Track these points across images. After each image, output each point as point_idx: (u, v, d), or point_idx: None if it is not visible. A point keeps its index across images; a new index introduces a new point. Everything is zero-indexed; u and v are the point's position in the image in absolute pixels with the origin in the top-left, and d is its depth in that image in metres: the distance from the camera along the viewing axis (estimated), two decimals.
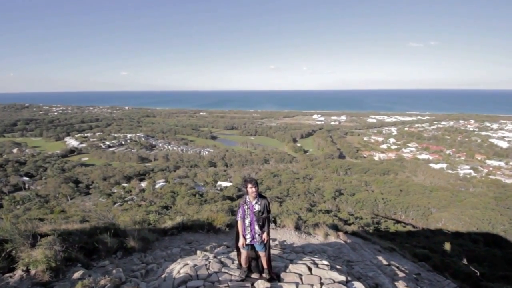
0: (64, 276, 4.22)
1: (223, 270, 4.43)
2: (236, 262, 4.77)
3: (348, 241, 9.29)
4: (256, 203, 3.98)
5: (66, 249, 4.63)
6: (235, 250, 4.62)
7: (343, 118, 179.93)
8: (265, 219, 4.01)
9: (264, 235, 4.02)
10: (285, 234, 9.01)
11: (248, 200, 4.01)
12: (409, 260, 9.09)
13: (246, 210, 4.01)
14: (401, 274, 6.42)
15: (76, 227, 6.34)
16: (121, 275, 4.45)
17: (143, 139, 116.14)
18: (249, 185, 3.94)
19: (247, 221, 4.02)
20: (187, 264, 4.60)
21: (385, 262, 7.41)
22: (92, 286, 3.81)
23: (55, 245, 4.48)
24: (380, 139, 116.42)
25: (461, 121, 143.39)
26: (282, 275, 4.34)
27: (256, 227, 3.99)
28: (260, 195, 4.05)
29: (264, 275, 4.22)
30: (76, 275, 4.19)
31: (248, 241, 4.04)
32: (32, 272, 3.99)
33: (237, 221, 4.11)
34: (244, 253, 4.14)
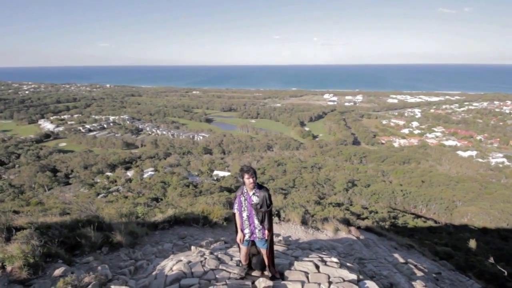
0: (44, 273, 4.35)
1: (220, 267, 4.55)
2: (235, 258, 4.90)
3: (361, 237, 9.47)
4: (253, 194, 3.99)
5: (45, 244, 4.75)
6: (236, 245, 4.72)
7: (359, 98, 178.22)
8: (265, 213, 4.01)
9: (266, 232, 4.06)
10: (290, 229, 9.19)
11: (245, 190, 4.04)
12: (428, 258, 9.31)
13: (243, 202, 4.04)
14: (419, 273, 6.59)
15: (56, 220, 6.47)
16: (107, 272, 4.59)
17: (128, 122, 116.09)
18: (246, 175, 3.92)
19: (244, 215, 4.06)
20: (181, 260, 4.73)
21: (401, 260, 7.59)
22: (75, 283, 3.93)
23: (33, 239, 4.60)
24: (401, 122, 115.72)
25: (496, 102, 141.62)
26: (286, 273, 4.45)
27: (256, 222, 4.02)
28: (259, 186, 4.05)
29: (266, 273, 4.33)
30: (57, 272, 4.32)
31: (247, 237, 4.10)
32: (8, 268, 4.11)
33: (234, 214, 4.17)
34: (243, 248, 4.21)
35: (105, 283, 4.27)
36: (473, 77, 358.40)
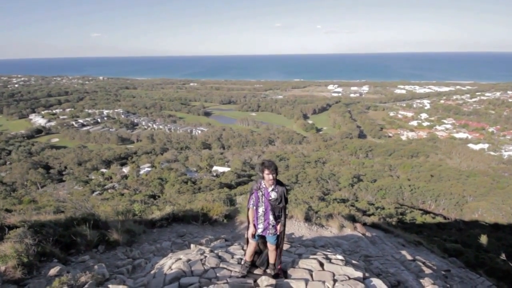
0: (39, 273, 4.42)
1: (221, 265, 4.61)
2: (237, 256, 4.95)
3: (367, 233, 9.53)
4: (272, 190, 4.05)
5: (39, 243, 4.81)
6: (237, 243, 4.76)
7: (365, 89, 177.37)
8: (282, 209, 4.12)
9: (279, 226, 4.14)
10: (293, 226, 9.25)
11: (264, 185, 4.08)
12: (437, 255, 9.37)
13: (261, 197, 4.08)
14: (427, 271, 6.65)
15: (50, 218, 6.54)
16: (104, 271, 4.65)
17: (122, 116, 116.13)
18: (266, 171, 3.95)
19: (260, 210, 4.11)
20: (180, 259, 4.78)
21: (409, 257, 7.65)
22: (71, 283, 3.99)
23: (26, 238, 4.65)
24: (409, 114, 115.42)
25: (509, 92, 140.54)
26: (290, 271, 4.50)
27: (271, 217, 4.09)
28: (278, 182, 4.11)
29: (268, 270, 4.38)
30: (53, 271, 4.38)
31: (259, 231, 4.15)
32: (2, 268, 4.17)
33: (248, 209, 4.20)
34: (252, 244, 4.27)
35: (102, 283, 4.32)
36: (486, 66, 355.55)
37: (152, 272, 4.68)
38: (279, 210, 4.08)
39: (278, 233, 4.16)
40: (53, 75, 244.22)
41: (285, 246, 5.72)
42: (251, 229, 4.15)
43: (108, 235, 6.12)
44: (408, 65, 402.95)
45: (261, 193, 4.07)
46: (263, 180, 4.05)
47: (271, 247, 4.24)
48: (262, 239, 4.28)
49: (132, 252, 6.00)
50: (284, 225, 4.20)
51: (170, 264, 4.67)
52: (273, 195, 4.03)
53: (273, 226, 4.11)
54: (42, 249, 4.79)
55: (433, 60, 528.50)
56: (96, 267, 4.78)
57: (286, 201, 4.13)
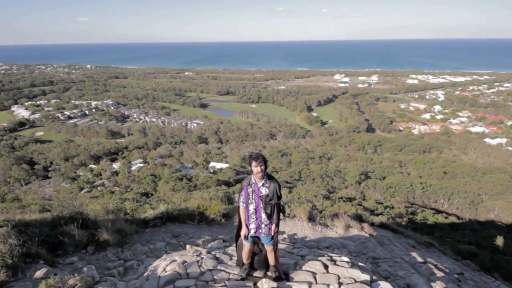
0: (24, 275, 4.46)
1: (218, 267, 4.64)
2: (235, 258, 4.98)
3: (375, 234, 9.59)
4: (263, 185, 4.01)
5: (24, 243, 4.85)
6: (234, 244, 4.78)
7: (374, 78, 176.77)
8: (274, 206, 4.07)
9: (273, 227, 4.10)
10: (295, 226, 9.30)
11: (254, 181, 4.05)
12: (450, 257, 9.44)
13: (251, 194, 4.05)
14: (439, 274, 6.70)
15: (35, 217, 6.58)
16: (94, 274, 4.69)
17: (112, 107, 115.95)
18: (254, 163, 3.90)
19: (251, 208, 4.08)
20: (175, 260, 4.81)
21: (420, 260, 7.71)
22: (58, 286, 4.02)
23: (10, 238, 4.69)
24: (422, 106, 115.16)
25: None
26: (292, 273, 4.53)
27: (263, 216, 4.06)
28: (268, 176, 4.08)
29: (269, 273, 4.41)
30: (39, 273, 4.42)
31: (252, 232, 4.13)
32: None
33: (238, 207, 4.19)
34: (246, 245, 4.26)
35: (92, 285, 4.36)
36: (505, 54, 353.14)
37: (145, 274, 4.72)
38: (271, 208, 4.03)
39: (272, 234, 4.12)
40: (37, 63, 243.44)
41: (287, 247, 5.76)
42: (244, 230, 4.12)
43: (98, 235, 6.16)
44: (421, 52, 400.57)
45: (251, 189, 4.03)
46: (253, 176, 4.02)
47: (268, 248, 4.23)
48: (258, 239, 4.27)
49: (124, 253, 6.05)
50: (278, 224, 4.14)
51: (164, 266, 4.70)
52: (264, 191, 3.99)
53: (266, 225, 4.07)
54: (27, 250, 4.82)
55: (449, 47, 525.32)
56: (85, 269, 4.82)
57: (279, 198, 4.04)
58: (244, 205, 4.10)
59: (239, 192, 4.18)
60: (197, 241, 7.11)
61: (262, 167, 3.91)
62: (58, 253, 5.47)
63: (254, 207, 4.06)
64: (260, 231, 4.11)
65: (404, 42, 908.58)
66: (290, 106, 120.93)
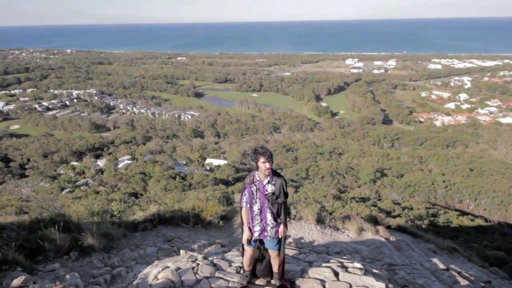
0: (0, 284, 4.51)
1: (216, 274, 4.67)
2: (235, 264, 5.02)
3: (391, 238, 9.64)
4: (268, 182, 4.02)
5: (0, 249, 4.90)
6: (236, 249, 4.80)
7: (391, 63, 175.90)
8: (281, 206, 4.07)
9: (280, 228, 4.11)
10: (302, 229, 9.35)
11: (258, 178, 4.05)
12: (476, 264, 9.49)
13: (255, 193, 4.04)
14: (463, 282, 6.74)
15: (11, 220, 6.65)
16: (78, 282, 4.74)
17: (96, 97, 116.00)
18: (262, 159, 3.91)
19: (255, 208, 4.08)
20: (168, 267, 4.86)
21: (441, 266, 7.75)
22: None
23: None
24: (445, 94, 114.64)
25: None
26: (298, 281, 4.56)
27: (269, 216, 4.07)
28: (274, 172, 4.09)
29: (272, 281, 4.44)
30: (16, 282, 4.46)
31: (256, 235, 4.14)
32: None
33: (241, 208, 4.18)
34: (248, 250, 4.27)
35: None
36: None
37: (135, 282, 4.77)
38: (278, 207, 4.04)
39: (279, 237, 4.13)
40: (10, 47, 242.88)
41: (293, 252, 5.79)
42: (246, 233, 4.11)
43: (81, 240, 6.21)
44: (444, 33, 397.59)
45: (255, 187, 4.02)
46: (257, 172, 4.01)
47: (272, 253, 4.23)
48: (261, 243, 4.29)
49: (111, 260, 6.10)
50: (286, 225, 4.15)
51: (156, 273, 4.75)
52: (270, 188, 3.99)
53: (272, 227, 4.08)
54: (3, 255, 4.87)
55: (476, 27, 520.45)
56: (68, 276, 4.87)
57: (286, 196, 4.06)
58: (248, 206, 4.09)
59: (242, 192, 4.16)
60: (192, 246, 7.16)
61: (270, 164, 3.93)
62: (38, 259, 5.52)
63: (259, 207, 4.07)
64: (265, 234, 4.11)
65: (425, 21, 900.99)
66: (296, 95, 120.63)
